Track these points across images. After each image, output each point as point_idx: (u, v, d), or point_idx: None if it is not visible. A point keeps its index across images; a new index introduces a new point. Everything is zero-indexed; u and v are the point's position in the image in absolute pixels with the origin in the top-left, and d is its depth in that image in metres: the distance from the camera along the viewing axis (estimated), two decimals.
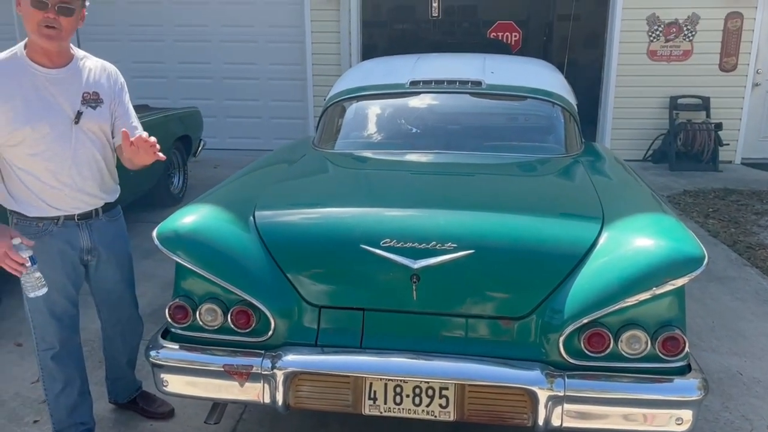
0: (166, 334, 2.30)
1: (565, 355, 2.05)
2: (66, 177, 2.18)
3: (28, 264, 2.04)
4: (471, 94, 3.40)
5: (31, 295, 2.11)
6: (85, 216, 2.29)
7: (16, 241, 2.04)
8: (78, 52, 2.24)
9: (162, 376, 2.24)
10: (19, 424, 2.79)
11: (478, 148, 3.19)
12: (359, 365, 2.11)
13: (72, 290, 2.35)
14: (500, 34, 9.70)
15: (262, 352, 2.16)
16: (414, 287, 2.13)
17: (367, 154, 3.18)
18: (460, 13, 12.23)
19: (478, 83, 3.38)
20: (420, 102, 3.44)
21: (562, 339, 2.04)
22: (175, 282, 2.29)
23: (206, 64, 8.30)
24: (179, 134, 5.99)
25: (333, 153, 3.24)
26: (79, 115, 2.16)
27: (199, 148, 6.55)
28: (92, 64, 2.29)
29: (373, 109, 3.49)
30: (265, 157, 3.38)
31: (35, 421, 2.81)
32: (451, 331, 2.17)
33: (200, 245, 2.22)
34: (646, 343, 2.02)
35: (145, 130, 5.24)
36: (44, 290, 2.12)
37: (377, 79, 3.63)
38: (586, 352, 2.03)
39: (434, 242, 2.15)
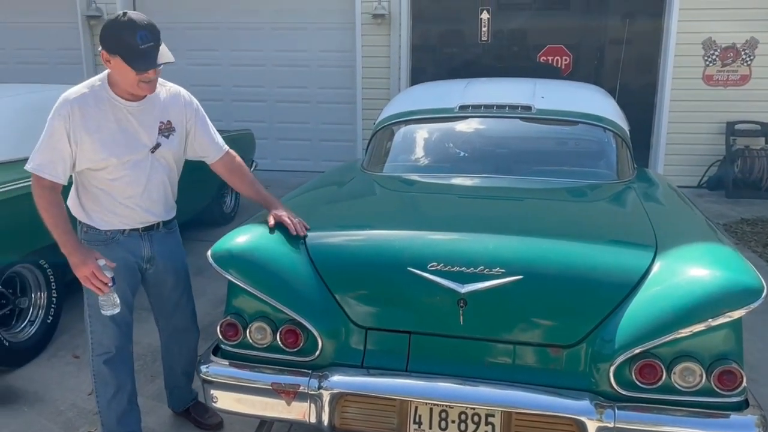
0: (217, 351, 2.35)
1: (615, 386, 2.01)
2: (139, 199, 2.37)
3: (111, 284, 2.20)
4: (521, 118, 3.39)
5: (107, 313, 2.24)
6: (148, 228, 2.46)
7: (101, 262, 2.20)
8: None
9: (212, 392, 2.29)
10: None
11: (527, 173, 3.18)
12: (404, 389, 2.12)
13: (130, 297, 2.49)
14: (550, 58, 9.64)
15: (309, 371, 2.19)
16: (461, 312, 2.13)
17: (416, 177, 3.21)
18: (510, 37, 12.22)
19: (528, 108, 3.38)
20: (469, 126, 3.45)
21: (612, 369, 2.00)
22: (227, 300, 2.35)
23: (260, 87, 8.52)
24: None
25: (382, 176, 3.28)
26: (157, 146, 2.35)
27: (252, 169, 6.70)
28: (166, 92, 2.41)
29: (422, 133, 3.53)
30: (316, 179, 3.44)
31: None
32: (498, 358, 2.15)
33: (252, 264, 2.27)
34: (701, 376, 1.96)
35: None
36: (118, 309, 2.25)
37: (426, 103, 3.67)
38: (638, 383, 1.98)
39: (482, 267, 2.15)
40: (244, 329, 2.25)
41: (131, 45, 2.11)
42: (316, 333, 2.19)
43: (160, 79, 2.36)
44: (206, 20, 8.38)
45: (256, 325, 2.24)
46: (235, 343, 2.29)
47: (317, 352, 2.20)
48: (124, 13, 2.15)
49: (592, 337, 2.08)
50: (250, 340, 2.25)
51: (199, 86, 8.58)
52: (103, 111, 2.24)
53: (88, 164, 2.27)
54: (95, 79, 2.30)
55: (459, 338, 2.17)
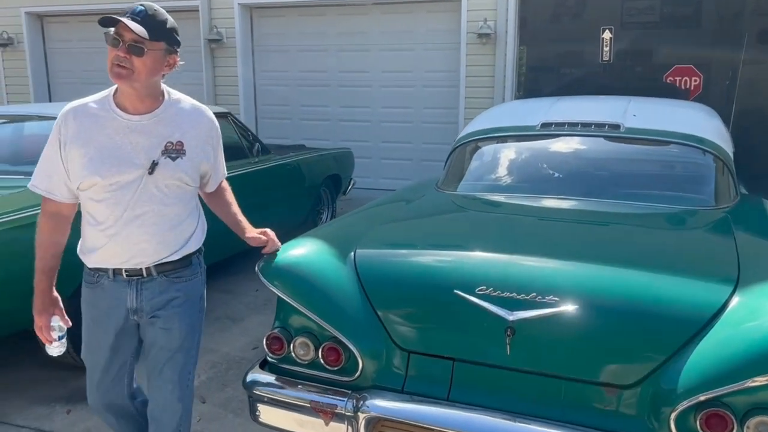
0: (264, 365, 2.35)
1: None
2: (120, 227, 1.94)
3: (56, 340, 2.01)
4: (607, 137, 3.17)
5: (51, 352, 2.05)
6: (135, 273, 2.00)
7: (55, 319, 1.99)
8: (170, 97, 2.03)
9: (256, 405, 2.29)
10: None
11: (611, 196, 2.95)
12: (444, 419, 2.00)
13: (123, 353, 2.11)
14: (678, 78, 9.07)
15: (349, 392, 2.13)
16: (508, 341, 1.99)
17: (488, 197, 3.08)
18: (634, 56, 11.64)
19: (616, 126, 3.15)
20: (550, 145, 3.27)
21: (674, 416, 1.77)
22: (275, 313, 2.35)
23: (365, 108, 8.67)
24: (330, 173, 6.28)
25: (453, 194, 3.17)
26: (154, 165, 1.93)
27: (349, 187, 6.81)
28: (185, 111, 2.03)
29: (500, 151, 3.39)
30: (390, 195, 3.41)
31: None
32: (545, 393, 1.98)
33: (297, 278, 2.26)
34: None
35: (297, 168, 5.65)
36: (61, 351, 2.05)
37: (508, 120, 3.53)
38: None
39: (534, 294, 2.00)
40: (289, 344, 2.24)
41: (125, 13, 1.86)
42: (356, 353, 2.13)
43: (181, 95, 2.07)
44: (317, 43, 8.67)
45: (299, 340, 2.22)
46: (280, 357, 2.28)
47: (358, 373, 2.14)
48: None
49: (653, 379, 1.86)
50: (294, 356, 2.23)
51: (307, 106, 8.91)
52: (99, 123, 1.92)
53: (75, 182, 1.93)
54: (106, 90, 2.01)
55: (505, 369, 2.02)
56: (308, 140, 8.77)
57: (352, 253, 2.34)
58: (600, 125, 3.18)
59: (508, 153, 3.37)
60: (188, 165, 2.00)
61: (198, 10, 8.77)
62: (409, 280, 2.22)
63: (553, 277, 2.08)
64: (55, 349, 2.04)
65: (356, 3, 8.30)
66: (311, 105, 8.92)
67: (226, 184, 2.32)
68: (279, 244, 2.34)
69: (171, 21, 1.95)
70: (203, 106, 2.11)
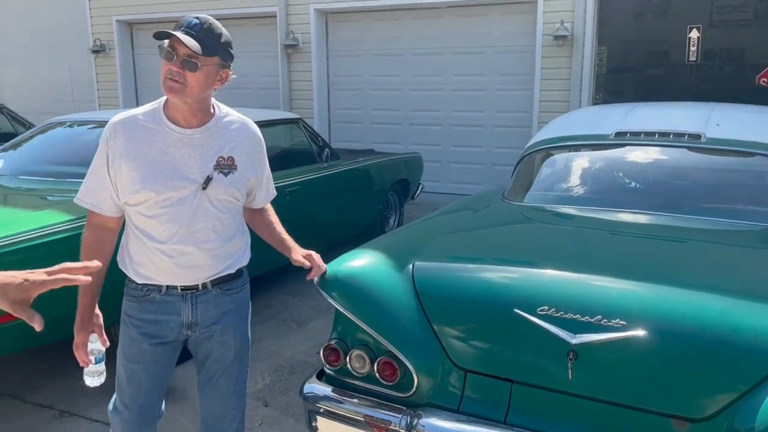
0: (322, 375, 2.35)
1: None
2: (178, 244, 1.91)
3: (93, 363, 1.91)
4: (687, 148, 2.98)
5: (87, 382, 1.95)
6: (191, 288, 1.97)
7: (93, 338, 1.91)
8: (220, 111, 1.99)
9: (311, 415, 2.29)
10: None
11: (689, 211, 2.77)
12: None
13: (159, 369, 2.05)
14: None
15: (404, 408, 2.09)
16: (570, 364, 1.90)
17: (556, 208, 2.96)
18: (723, 56, 11.03)
19: (697, 136, 2.96)
20: (625, 155, 3.11)
21: None
22: (333, 323, 2.34)
23: (436, 111, 8.61)
24: (398, 177, 6.27)
25: (520, 206, 3.07)
26: (208, 180, 1.90)
27: (417, 192, 6.78)
28: (233, 125, 2.00)
29: (571, 161, 3.26)
30: (454, 204, 3.34)
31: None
32: (608, 422, 1.87)
33: (354, 290, 2.24)
34: None
35: (366, 173, 5.67)
36: (98, 383, 1.94)
37: (581, 128, 3.39)
38: None
39: (599, 316, 1.90)
40: (345, 356, 2.22)
41: (179, 24, 1.82)
42: (412, 369, 2.08)
43: (228, 108, 2.03)
44: (392, 47, 8.69)
45: (356, 353, 2.19)
46: (336, 368, 2.27)
47: (413, 389, 2.10)
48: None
49: (729, 413, 1.73)
50: (350, 368, 2.21)
51: (380, 110, 8.94)
52: (149, 136, 1.88)
53: (124, 197, 1.89)
54: (154, 102, 1.97)
55: (565, 394, 1.93)
56: (379, 144, 8.81)
57: (411, 266, 2.29)
58: (679, 135, 3.00)
59: (580, 163, 3.24)
60: (239, 180, 1.97)
61: (276, 16, 8.98)
62: (468, 295, 2.16)
63: (621, 298, 1.97)
64: (94, 378, 1.93)
65: (431, 6, 8.25)
66: (383, 109, 8.95)
67: (269, 204, 2.24)
68: (324, 267, 2.21)
69: (226, 35, 1.90)
70: (248, 120, 2.06)
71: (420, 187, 6.78)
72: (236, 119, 2.02)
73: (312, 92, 9.09)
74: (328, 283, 2.27)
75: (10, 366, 3.15)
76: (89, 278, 1.33)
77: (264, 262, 4.42)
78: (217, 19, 1.90)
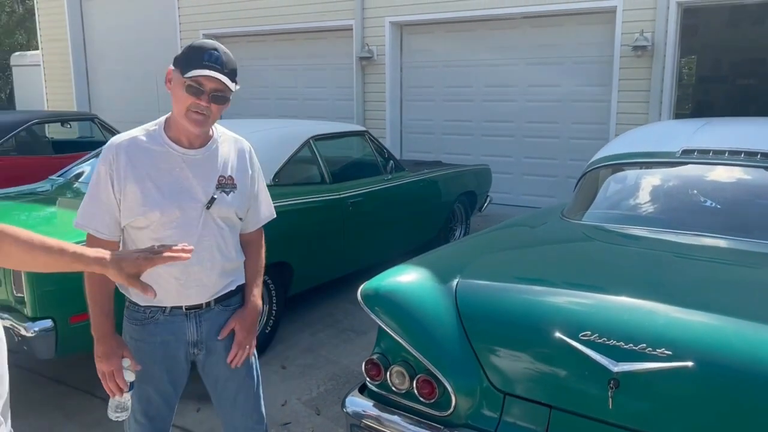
0: (364, 389, 2.37)
1: None
2: (186, 266, 1.83)
3: (127, 389, 1.88)
4: (760, 168, 2.81)
5: (112, 416, 1.91)
6: (195, 306, 1.98)
7: (126, 362, 1.88)
8: (217, 131, 2.00)
9: (351, 427, 2.31)
10: None
11: (757, 235, 2.61)
12: None
13: (169, 387, 2.05)
14: None
15: (441, 427, 2.08)
16: (610, 393, 1.83)
17: (615, 228, 2.85)
18: None
19: None
20: (692, 174, 2.97)
21: None
22: (376, 337, 2.36)
23: (509, 122, 8.50)
24: (465, 190, 6.23)
25: (577, 224, 2.98)
26: (212, 201, 1.91)
27: (485, 204, 6.71)
28: (229, 144, 2.02)
29: (633, 179, 3.14)
30: (513, 219, 3.30)
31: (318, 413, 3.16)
32: None
33: (395, 307, 2.25)
34: None
35: (430, 184, 5.68)
36: (126, 416, 1.92)
37: (647, 144, 3.26)
38: None
39: (644, 344, 1.83)
40: (386, 371, 2.24)
41: (195, 57, 1.81)
42: (450, 388, 2.07)
43: (221, 127, 2.03)
44: (465, 57, 8.66)
45: (396, 368, 2.20)
46: (378, 383, 2.28)
47: (451, 409, 2.09)
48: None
49: None
50: (390, 383, 2.22)
51: (451, 121, 8.92)
52: (153, 158, 1.89)
53: (128, 219, 1.88)
54: (152, 123, 1.97)
55: (605, 424, 1.86)
56: (450, 155, 8.78)
57: (454, 284, 2.28)
58: (751, 153, 2.83)
59: (643, 181, 3.11)
60: (239, 199, 1.98)
61: (351, 29, 9.15)
62: (509, 316, 2.12)
63: (669, 327, 1.88)
64: (123, 412, 1.89)
65: (506, 17, 8.17)
66: (455, 120, 8.92)
67: (261, 237, 2.17)
68: (245, 350, 2.06)
69: (234, 59, 1.90)
70: (240, 138, 2.07)
71: (488, 199, 6.71)
72: (230, 137, 2.03)
73: (385, 103, 9.18)
74: (370, 297, 2.29)
75: (81, 362, 3.35)
76: (189, 256, 1.55)
77: (326, 270, 4.56)
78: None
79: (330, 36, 9.60)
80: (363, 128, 5.46)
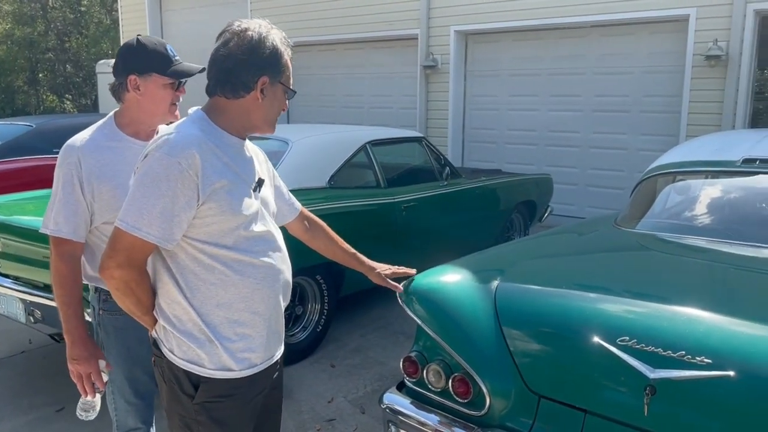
0: (402, 386, 2.40)
1: None
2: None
3: (100, 389, 1.93)
4: None
5: (82, 416, 1.95)
6: None
7: (102, 364, 1.90)
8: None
9: (388, 425, 2.34)
10: None
11: None
12: None
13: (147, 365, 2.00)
14: None
15: (475, 427, 2.09)
16: (646, 400, 1.79)
17: (667, 237, 2.77)
18: None
19: None
20: (752, 184, 2.85)
21: None
22: (415, 335, 2.38)
23: (575, 133, 8.34)
24: (523, 199, 6.15)
25: (629, 232, 2.91)
26: None
27: (546, 214, 6.61)
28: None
29: (691, 187, 3.04)
30: (565, 226, 3.25)
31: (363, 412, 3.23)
32: None
33: (434, 306, 2.27)
34: None
35: (487, 192, 5.68)
36: (93, 416, 1.96)
37: (707, 153, 3.15)
38: None
39: (682, 351, 1.78)
40: (422, 369, 2.26)
41: (166, 56, 1.94)
42: (485, 389, 2.08)
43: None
44: (530, 67, 8.57)
45: (432, 367, 2.22)
46: (415, 380, 2.31)
47: (485, 409, 2.09)
48: (138, 38, 1.97)
49: None
50: (426, 381, 2.24)
51: (515, 130, 8.83)
52: (117, 154, 1.93)
53: (104, 218, 1.91)
54: (98, 124, 2.01)
55: (640, 431, 1.82)
56: (512, 165, 8.68)
57: (494, 286, 2.29)
58: None
59: (700, 190, 3.01)
60: None
61: (417, 38, 9.22)
62: (547, 320, 2.11)
63: (710, 335, 1.82)
64: (91, 412, 1.93)
65: (576, 26, 8.04)
66: (518, 129, 8.83)
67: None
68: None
69: None
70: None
71: (549, 209, 6.61)
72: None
73: (447, 111, 9.19)
74: (410, 296, 2.32)
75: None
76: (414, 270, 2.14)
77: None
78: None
79: (396, 45, 9.70)
80: (420, 134, 5.50)
